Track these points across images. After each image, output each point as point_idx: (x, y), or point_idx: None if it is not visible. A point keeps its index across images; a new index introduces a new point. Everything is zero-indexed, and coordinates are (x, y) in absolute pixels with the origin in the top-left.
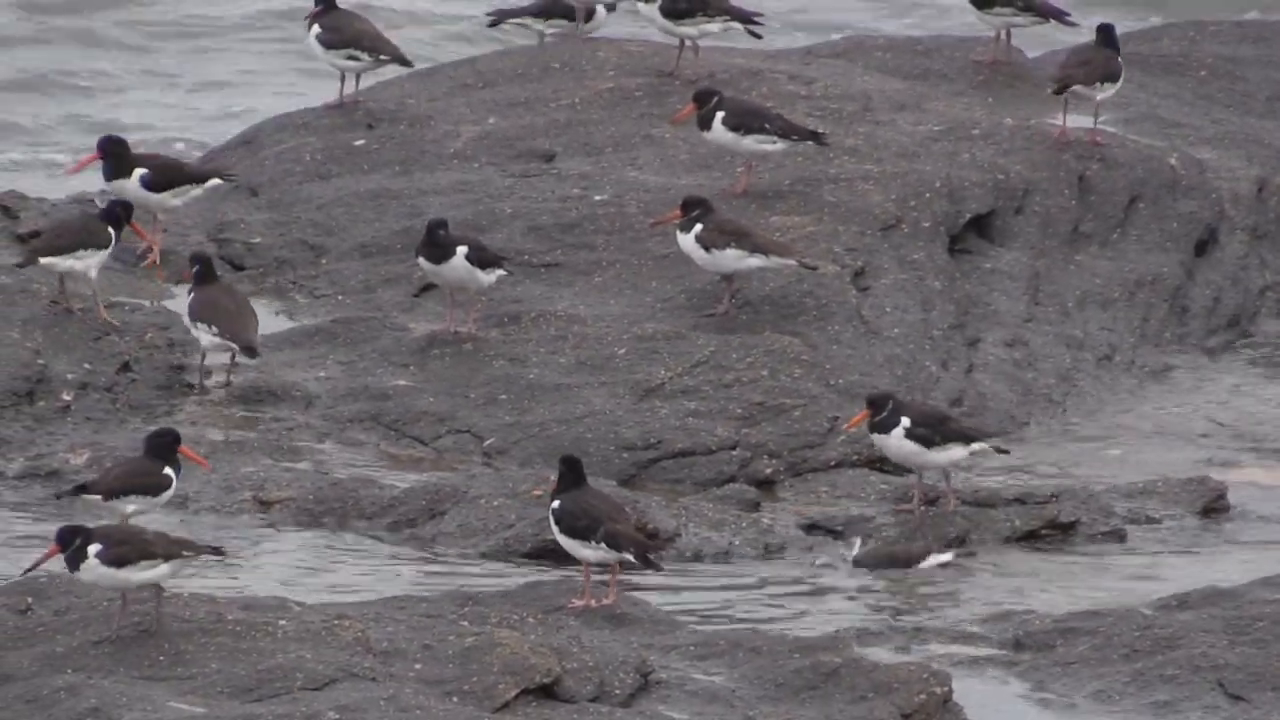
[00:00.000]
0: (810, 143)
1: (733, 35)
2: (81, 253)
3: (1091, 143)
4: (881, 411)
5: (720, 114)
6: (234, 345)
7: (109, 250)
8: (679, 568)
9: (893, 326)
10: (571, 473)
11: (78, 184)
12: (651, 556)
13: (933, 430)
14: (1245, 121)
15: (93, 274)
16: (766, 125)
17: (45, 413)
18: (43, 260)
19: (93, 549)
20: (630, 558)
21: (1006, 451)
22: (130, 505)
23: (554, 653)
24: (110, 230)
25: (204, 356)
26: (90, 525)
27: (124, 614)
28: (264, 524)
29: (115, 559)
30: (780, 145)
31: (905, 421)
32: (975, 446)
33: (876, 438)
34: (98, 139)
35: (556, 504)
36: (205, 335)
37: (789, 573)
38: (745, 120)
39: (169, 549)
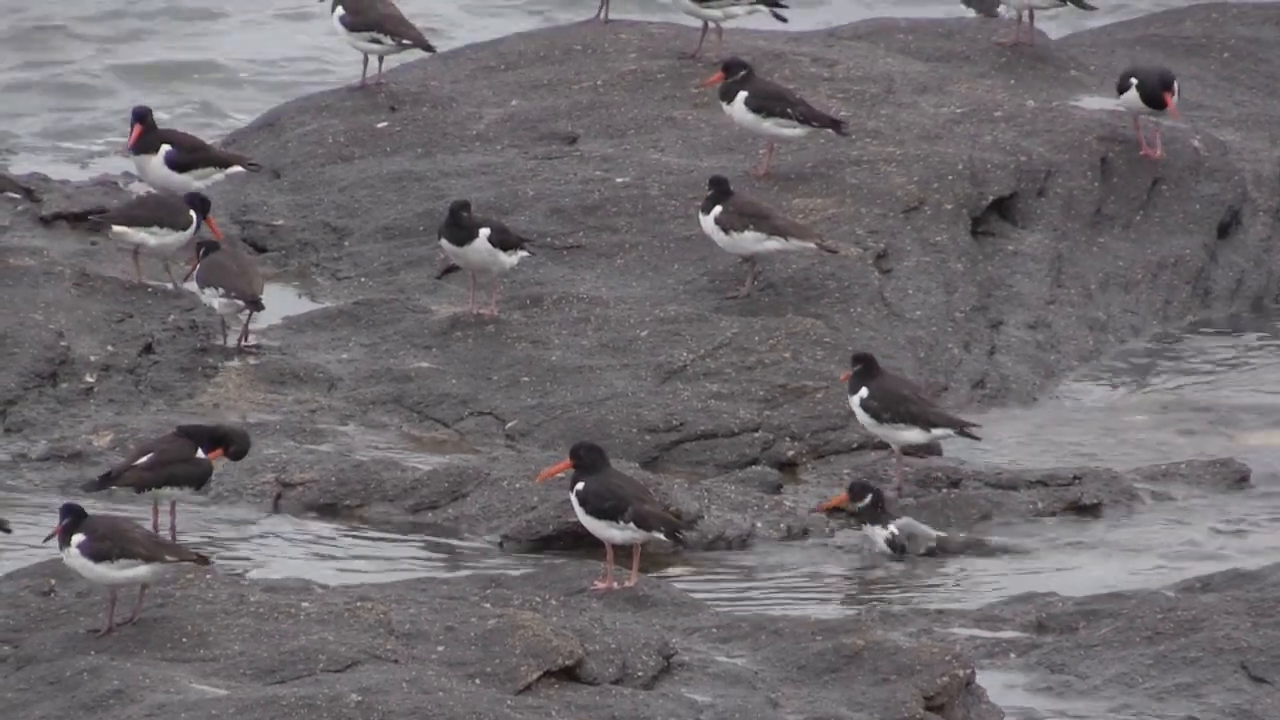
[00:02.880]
0: (831, 130)
1: (756, 17)
2: (156, 229)
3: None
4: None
5: (743, 93)
6: (240, 301)
7: (186, 233)
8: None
9: (915, 308)
10: (593, 458)
11: (103, 166)
12: (680, 535)
13: (883, 406)
14: (1269, 103)
15: (166, 252)
16: (789, 110)
17: (68, 394)
18: (115, 228)
19: (76, 538)
20: (661, 537)
21: (978, 438)
22: (166, 497)
23: (576, 635)
24: (191, 214)
25: (225, 327)
26: (88, 511)
27: (144, 596)
28: (286, 506)
29: (95, 553)
30: (800, 131)
31: (863, 391)
32: (937, 432)
33: (849, 398)
34: (132, 109)
35: (581, 486)
36: (215, 299)
37: (811, 554)
38: (767, 103)
39: (152, 551)
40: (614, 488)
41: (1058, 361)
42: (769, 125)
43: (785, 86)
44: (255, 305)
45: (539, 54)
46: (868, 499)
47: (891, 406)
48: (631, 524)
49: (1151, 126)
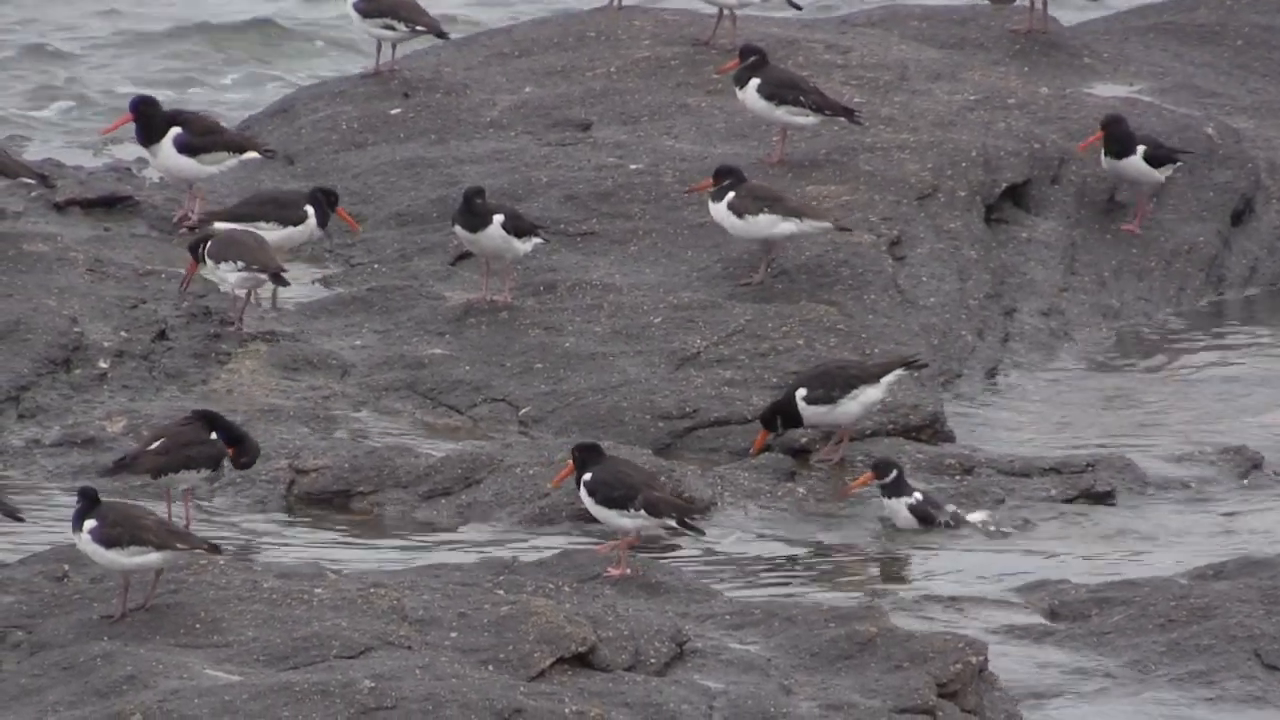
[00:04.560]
0: (844, 118)
1: (770, 3)
2: (264, 225)
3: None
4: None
5: (756, 81)
6: (261, 274)
7: (300, 229)
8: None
9: (929, 296)
10: (590, 455)
11: (116, 152)
12: (692, 521)
13: (827, 390)
14: None
15: (287, 246)
16: (801, 98)
17: (82, 380)
18: (218, 225)
19: (88, 523)
20: (672, 524)
21: (925, 365)
22: (181, 481)
23: (589, 621)
24: (308, 209)
25: (239, 305)
26: (102, 497)
27: (157, 582)
28: (299, 492)
29: (106, 539)
30: (813, 119)
31: (802, 391)
32: (888, 380)
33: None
34: (129, 100)
35: (589, 475)
36: (232, 273)
37: (824, 541)
38: (780, 91)
39: (164, 539)
40: (623, 476)
41: (1071, 349)
42: (781, 113)
43: (799, 74)
44: (279, 279)
45: (552, 40)
46: (892, 475)
47: (836, 384)
48: (642, 512)
49: (1145, 198)
